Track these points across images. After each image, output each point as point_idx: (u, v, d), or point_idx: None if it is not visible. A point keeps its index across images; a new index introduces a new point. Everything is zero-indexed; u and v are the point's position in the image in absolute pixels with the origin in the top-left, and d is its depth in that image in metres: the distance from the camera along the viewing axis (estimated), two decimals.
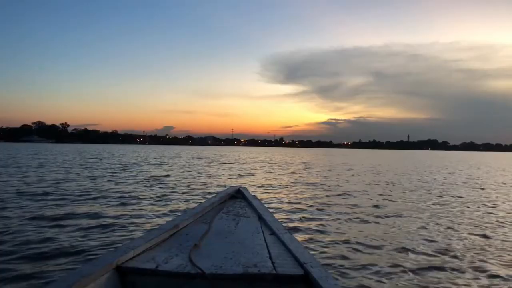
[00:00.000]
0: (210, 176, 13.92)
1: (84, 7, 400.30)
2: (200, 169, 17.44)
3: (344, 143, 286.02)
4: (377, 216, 6.32)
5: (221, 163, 23.36)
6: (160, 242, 2.25)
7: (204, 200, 3.84)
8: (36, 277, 3.21)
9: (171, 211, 6.37)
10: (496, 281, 3.41)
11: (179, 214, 3.49)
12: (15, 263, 3.55)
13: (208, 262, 1.94)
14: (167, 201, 7.50)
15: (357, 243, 4.55)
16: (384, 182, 12.89)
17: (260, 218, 2.96)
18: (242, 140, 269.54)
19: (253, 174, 15.50)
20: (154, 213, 6.19)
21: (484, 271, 3.65)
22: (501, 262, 3.93)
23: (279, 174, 15.49)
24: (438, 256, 4.08)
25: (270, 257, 2.05)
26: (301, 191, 9.68)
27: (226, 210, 3.34)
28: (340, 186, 11.25)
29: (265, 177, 14.39)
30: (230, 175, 14.94)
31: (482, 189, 11.54)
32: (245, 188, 4.18)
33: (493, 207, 7.76)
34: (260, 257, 2.06)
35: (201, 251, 2.15)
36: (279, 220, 2.90)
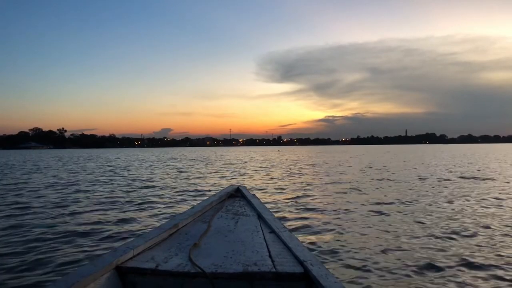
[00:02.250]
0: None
1: (80, 12, 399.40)
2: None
3: (342, 140, 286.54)
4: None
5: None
6: (159, 241, 2.25)
7: (203, 199, 3.82)
8: (36, 278, 3.19)
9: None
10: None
11: (178, 213, 3.47)
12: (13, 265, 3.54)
13: (208, 261, 1.95)
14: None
15: (361, 242, 4.54)
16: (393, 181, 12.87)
17: (260, 216, 2.96)
18: (240, 140, 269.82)
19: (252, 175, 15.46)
20: None
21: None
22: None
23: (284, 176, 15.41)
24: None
25: (270, 256, 2.05)
26: (306, 192, 9.65)
27: (225, 209, 3.32)
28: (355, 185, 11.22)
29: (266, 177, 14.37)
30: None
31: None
32: (244, 186, 4.15)
33: None
34: (260, 255, 2.06)
35: (201, 250, 2.15)
36: (279, 218, 2.88)
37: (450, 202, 7.17)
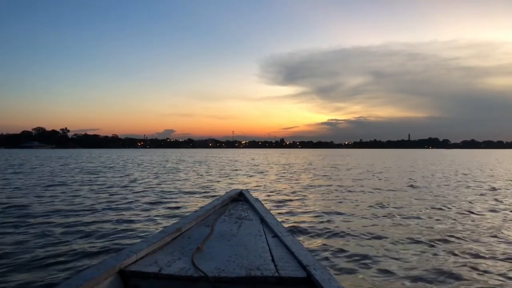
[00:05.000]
0: None
1: (83, 12, 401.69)
2: None
3: (345, 143, 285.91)
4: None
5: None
6: (162, 245, 2.25)
7: (206, 203, 3.83)
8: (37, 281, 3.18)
9: None
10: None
11: (182, 217, 3.48)
12: (14, 267, 3.54)
13: (211, 265, 1.95)
14: None
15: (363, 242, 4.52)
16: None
17: (263, 220, 2.96)
18: (242, 142, 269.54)
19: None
20: None
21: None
22: None
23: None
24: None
25: (273, 260, 2.04)
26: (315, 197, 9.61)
27: (228, 213, 3.32)
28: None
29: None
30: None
31: None
32: (247, 190, 4.16)
33: None
34: (263, 259, 2.05)
35: (204, 254, 2.15)
36: (282, 223, 2.87)
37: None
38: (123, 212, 6.47)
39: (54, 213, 6.34)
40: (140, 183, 11.85)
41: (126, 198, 8.27)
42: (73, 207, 6.97)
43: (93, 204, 7.33)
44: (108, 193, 9.22)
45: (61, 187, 10.63)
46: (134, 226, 5.41)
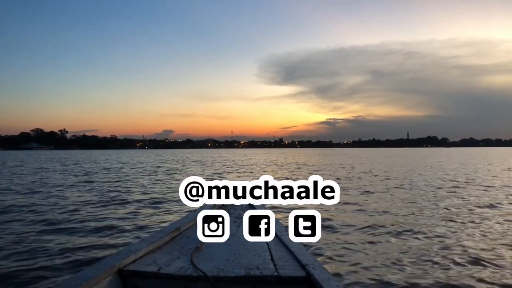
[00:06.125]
0: None
1: (83, 14, 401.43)
2: None
3: (344, 142, 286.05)
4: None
5: None
6: (161, 245, 2.26)
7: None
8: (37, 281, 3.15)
9: None
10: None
11: (181, 217, 3.46)
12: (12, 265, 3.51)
13: (210, 265, 1.95)
14: None
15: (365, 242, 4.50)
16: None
17: None
18: (241, 142, 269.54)
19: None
20: None
21: None
22: None
23: None
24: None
25: (272, 259, 2.06)
26: None
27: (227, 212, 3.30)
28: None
29: None
30: None
31: None
32: None
33: None
34: (262, 259, 2.07)
35: (203, 253, 2.16)
36: (281, 222, 2.86)
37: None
38: (118, 211, 6.45)
39: (42, 213, 6.32)
40: (135, 183, 11.83)
41: (122, 198, 8.26)
42: (64, 207, 6.95)
43: (86, 202, 7.31)
44: (104, 194, 9.20)
45: (55, 188, 10.60)
46: (130, 226, 5.39)
